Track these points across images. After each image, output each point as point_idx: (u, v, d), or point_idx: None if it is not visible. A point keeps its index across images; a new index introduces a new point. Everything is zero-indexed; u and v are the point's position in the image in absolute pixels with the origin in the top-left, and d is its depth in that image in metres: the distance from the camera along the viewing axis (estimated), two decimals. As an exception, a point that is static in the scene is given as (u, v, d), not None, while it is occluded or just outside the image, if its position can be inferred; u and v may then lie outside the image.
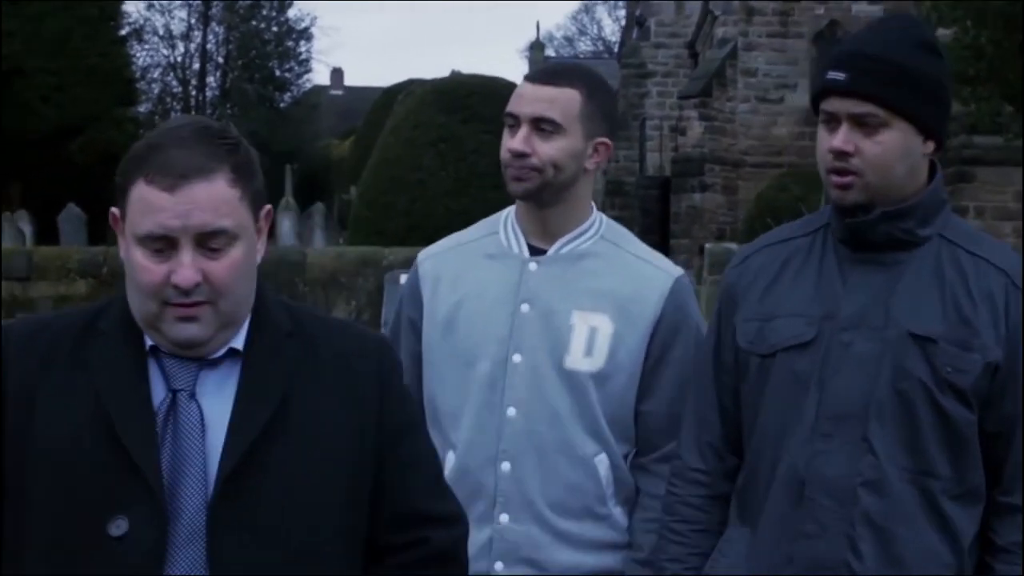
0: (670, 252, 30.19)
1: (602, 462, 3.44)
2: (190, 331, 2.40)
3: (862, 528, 3.07)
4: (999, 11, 14.75)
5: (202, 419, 2.42)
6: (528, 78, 3.52)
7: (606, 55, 66.23)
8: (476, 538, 3.21)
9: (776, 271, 3.30)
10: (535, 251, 3.53)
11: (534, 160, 3.41)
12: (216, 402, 2.44)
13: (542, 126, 3.41)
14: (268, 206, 2.50)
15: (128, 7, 41.47)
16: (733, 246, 16.87)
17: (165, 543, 2.36)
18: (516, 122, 3.45)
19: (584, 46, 75.42)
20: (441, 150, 18.13)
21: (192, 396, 2.43)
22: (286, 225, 28.95)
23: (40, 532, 2.37)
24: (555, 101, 3.41)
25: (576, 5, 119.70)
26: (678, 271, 3.58)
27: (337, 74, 71.10)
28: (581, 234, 3.53)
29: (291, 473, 2.41)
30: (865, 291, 3.14)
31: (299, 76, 51.48)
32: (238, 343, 2.47)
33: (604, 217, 3.62)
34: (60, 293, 15.54)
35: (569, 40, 76.16)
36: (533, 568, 3.42)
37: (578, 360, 3.43)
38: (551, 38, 74.13)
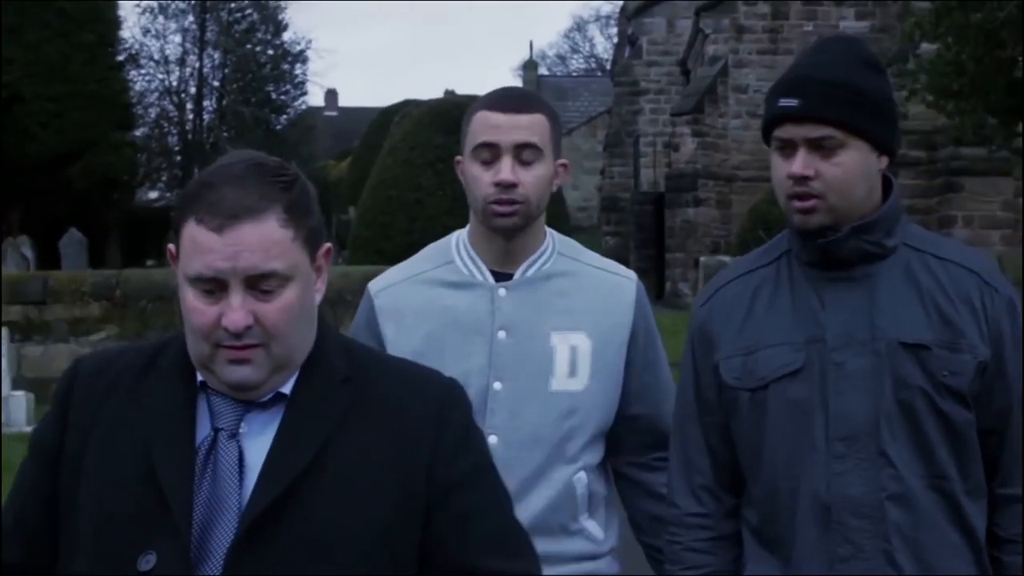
0: (666, 266, 30.18)
1: (580, 480, 3.42)
2: (242, 373, 2.31)
3: (896, 541, 3.06)
4: (979, 28, 15.02)
5: (241, 460, 2.33)
6: (496, 108, 3.38)
7: (599, 72, 66.32)
8: None
9: (748, 303, 3.26)
10: (498, 276, 3.47)
11: (521, 191, 3.35)
12: (259, 444, 2.34)
13: (524, 155, 3.35)
14: (327, 244, 2.39)
15: (124, 33, 41.43)
16: (727, 259, 17.18)
17: (186, 567, 2.29)
18: (495, 154, 3.35)
19: (576, 64, 75.66)
20: (438, 170, 18.39)
21: (233, 436, 2.35)
22: (285, 246, 29.72)
23: (81, 560, 2.34)
24: (533, 127, 3.36)
25: (568, 23, 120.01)
26: (633, 274, 3.59)
27: (331, 95, 71.35)
28: (541, 255, 3.48)
29: (322, 523, 2.29)
30: (845, 308, 3.12)
31: (295, 99, 51.69)
32: (287, 388, 2.37)
33: (553, 232, 3.57)
34: (75, 316, 15.84)
35: (562, 58, 76.50)
36: None
37: (564, 381, 3.40)
38: (544, 56, 74.39)
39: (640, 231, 32.71)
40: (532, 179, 3.34)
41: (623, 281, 3.52)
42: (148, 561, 2.27)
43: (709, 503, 3.27)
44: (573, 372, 3.40)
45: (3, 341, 14.19)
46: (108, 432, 2.37)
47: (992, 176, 22.00)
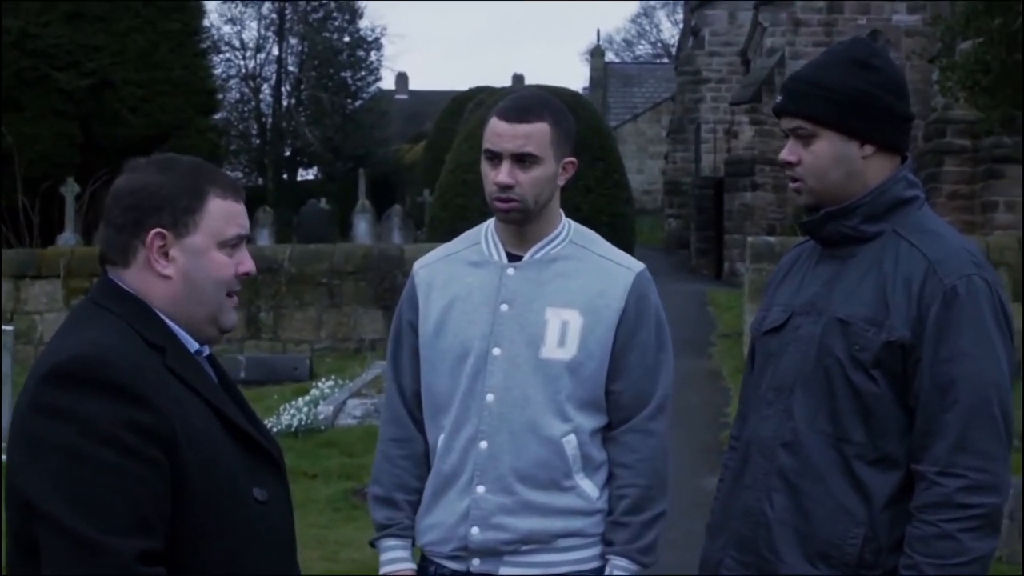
0: (724, 247, 30.60)
1: (570, 442, 3.67)
2: (235, 318, 2.80)
3: (776, 481, 3.32)
4: (1001, 31, 15.88)
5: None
6: (502, 117, 3.67)
7: (665, 59, 65.69)
8: (457, 507, 3.70)
9: (788, 268, 3.57)
10: (513, 258, 3.77)
11: (518, 190, 3.64)
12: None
13: (523, 159, 3.64)
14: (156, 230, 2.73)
15: (204, 21, 41.54)
16: (773, 240, 18.06)
17: (290, 503, 2.82)
18: (498, 158, 3.67)
19: (643, 49, 74.94)
20: (511, 156, 19.11)
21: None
22: (362, 226, 29.67)
23: (199, 502, 2.58)
24: (531, 136, 3.64)
25: (636, 7, 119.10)
26: (639, 267, 3.80)
27: (402, 79, 69.89)
28: (551, 240, 3.77)
29: None
30: (819, 281, 3.37)
31: (369, 84, 51.49)
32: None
33: (572, 223, 3.85)
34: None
35: (628, 43, 75.68)
36: (504, 532, 3.68)
37: (553, 350, 3.67)
38: (611, 41, 73.78)
39: (700, 214, 33.03)
40: (529, 180, 3.66)
41: (623, 271, 3.78)
42: (261, 493, 2.70)
43: (738, 428, 3.65)
44: (562, 343, 3.68)
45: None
46: (178, 405, 2.60)
47: (1035, 164, 22.15)
